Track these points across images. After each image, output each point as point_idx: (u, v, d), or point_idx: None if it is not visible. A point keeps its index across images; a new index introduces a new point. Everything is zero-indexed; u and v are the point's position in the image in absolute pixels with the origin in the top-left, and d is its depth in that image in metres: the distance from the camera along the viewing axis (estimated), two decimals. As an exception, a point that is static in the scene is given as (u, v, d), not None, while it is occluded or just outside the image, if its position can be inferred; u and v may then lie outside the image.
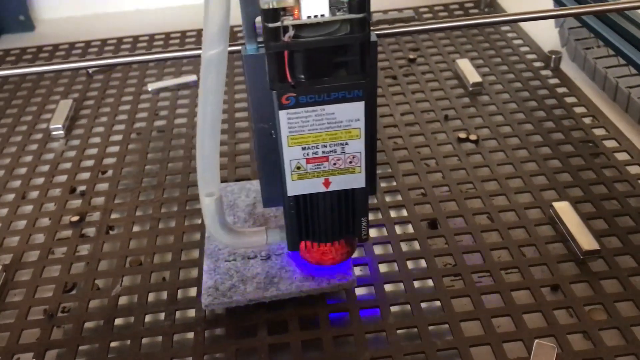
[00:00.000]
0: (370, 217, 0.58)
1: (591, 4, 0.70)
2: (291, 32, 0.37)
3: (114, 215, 0.60)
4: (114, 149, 0.70)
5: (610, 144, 0.65)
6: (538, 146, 0.65)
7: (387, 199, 0.60)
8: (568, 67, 0.79)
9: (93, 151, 0.69)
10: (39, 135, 0.73)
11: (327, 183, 0.43)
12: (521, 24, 0.88)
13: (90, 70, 0.84)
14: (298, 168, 0.42)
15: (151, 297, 0.52)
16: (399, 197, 0.60)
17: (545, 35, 0.85)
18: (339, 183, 0.43)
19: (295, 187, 0.43)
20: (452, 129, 0.69)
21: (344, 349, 0.47)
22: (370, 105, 0.41)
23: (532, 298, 0.49)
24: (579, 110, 0.71)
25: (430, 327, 0.47)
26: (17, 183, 0.66)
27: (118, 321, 0.50)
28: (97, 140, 0.71)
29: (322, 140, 0.41)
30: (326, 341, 0.47)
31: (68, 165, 0.68)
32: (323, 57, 0.38)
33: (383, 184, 0.62)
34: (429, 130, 0.69)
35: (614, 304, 0.48)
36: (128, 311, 0.51)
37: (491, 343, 0.46)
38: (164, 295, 0.52)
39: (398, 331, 0.47)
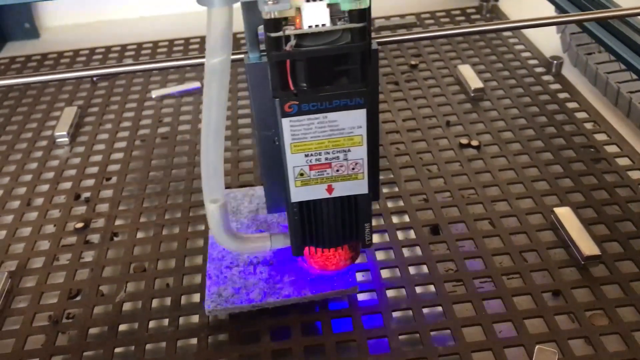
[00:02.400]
0: (373, 222, 0.58)
1: (593, 11, 0.70)
2: (293, 42, 0.37)
3: (118, 222, 0.61)
4: (118, 155, 0.70)
5: (611, 149, 0.65)
6: (539, 152, 0.66)
7: (390, 204, 0.60)
8: (569, 72, 0.80)
9: (97, 158, 0.70)
10: (44, 142, 0.74)
11: (330, 189, 0.43)
12: (523, 29, 0.88)
13: (94, 78, 0.85)
14: (301, 175, 0.42)
15: (155, 303, 0.52)
16: (401, 203, 0.60)
17: (547, 40, 0.86)
18: (342, 189, 0.44)
19: (298, 193, 0.43)
20: (454, 135, 0.69)
21: (346, 355, 0.47)
22: (372, 113, 0.41)
23: (533, 303, 0.49)
24: (581, 115, 0.71)
25: (432, 333, 0.48)
26: (22, 190, 0.66)
27: (122, 327, 0.50)
28: (101, 147, 0.72)
29: (324, 147, 0.42)
30: (328, 347, 0.47)
31: (73, 172, 0.68)
32: (325, 65, 0.39)
33: (385, 190, 0.62)
34: (431, 136, 0.69)
35: (615, 309, 0.49)
36: (132, 317, 0.51)
37: (492, 348, 0.46)
38: (168, 301, 0.52)
39: (400, 337, 0.48)
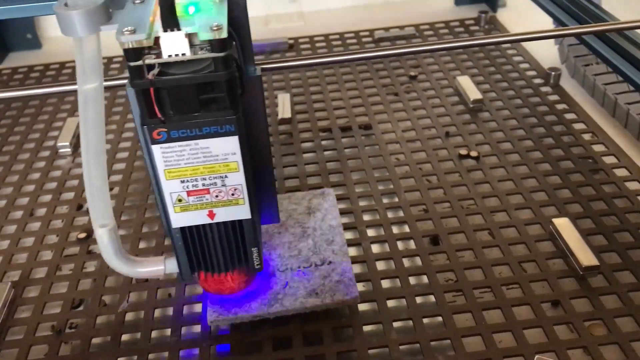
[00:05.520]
0: (373, 233, 0.59)
1: (591, 24, 0.71)
2: (156, 70, 0.38)
3: (120, 232, 0.61)
4: (120, 166, 0.71)
5: (609, 160, 0.66)
6: (538, 162, 0.66)
7: (390, 215, 0.61)
8: (567, 83, 0.80)
9: (99, 168, 0.70)
10: (46, 153, 0.74)
11: (211, 215, 0.44)
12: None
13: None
14: (180, 200, 0.43)
15: (157, 313, 0.53)
16: (401, 214, 0.61)
17: (545, 51, 0.86)
18: (223, 215, 0.44)
19: (179, 219, 0.44)
20: (453, 146, 0.70)
21: (347, 365, 0.47)
22: (251, 138, 0.41)
23: (532, 313, 0.50)
24: (579, 126, 0.72)
25: (432, 343, 0.48)
26: (25, 200, 0.67)
27: (125, 337, 0.51)
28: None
29: (200, 174, 0.42)
30: (329, 357, 0.48)
31: (75, 182, 0.69)
32: (190, 93, 0.39)
33: (385, 200, 0.62)
34: (430, 147, 0.70)
35: (614, 319, 0.49)
36: (134, 327, 0.51)
37: (492, 358, 0.47)
38: (170, 311, 0.53)
39: (401, 347, 0.48)
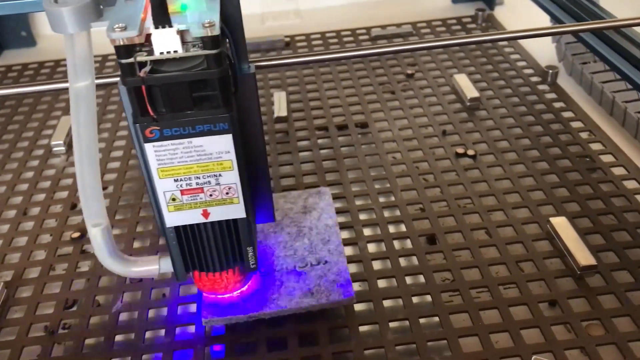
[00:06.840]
0: (369, 232, 0.58)
1: (588, 22, 0.71)
2: (147, 67, 0.37)
3: (114, 231, 0.60)
4: (115, 164, 0.70)
5: (606, 158, 0.66)
6: (535, 161, 0.66)
7: (386, 214, 0.60)
8: (565, 81, 0.80)
9: (94, 167, 0.70)
10: (40, 151, 0.74)
11: (206, 214, 0.43)
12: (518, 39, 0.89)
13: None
14: (173, 199, 0.42)
15: (151, 313, 0.52)
16: (398, 212, 0.60)
17: (542, 50, 0.86)
18: (218, 214, 0.43)
19: (173, 218, 0.43)
20: (450, 144, 0.69)
21: (343, 365, 0.47)
22: (246, 136, 0.41)
23: (529, 313, 0.50)
24: (576, 125, 0.71)
25: (429, 343, 0.48)
26: (18, 199, 0.66)
27: (118, 338, 0.50)
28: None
29: (194, 172, 0.41)
30: (325, 358, 0.47)
31: (69, 181, 0.68)
32: (182, 91, 0.38)
33: (382, 199, 0.62)
34: (427, 145, 0.69)
35: (611, 319, 0.49)
36: (128, 328, 0.51)
37: (489, 359, 0.46)
38: (164, 311, 0.52)
39: (397, 347, 0.48)
